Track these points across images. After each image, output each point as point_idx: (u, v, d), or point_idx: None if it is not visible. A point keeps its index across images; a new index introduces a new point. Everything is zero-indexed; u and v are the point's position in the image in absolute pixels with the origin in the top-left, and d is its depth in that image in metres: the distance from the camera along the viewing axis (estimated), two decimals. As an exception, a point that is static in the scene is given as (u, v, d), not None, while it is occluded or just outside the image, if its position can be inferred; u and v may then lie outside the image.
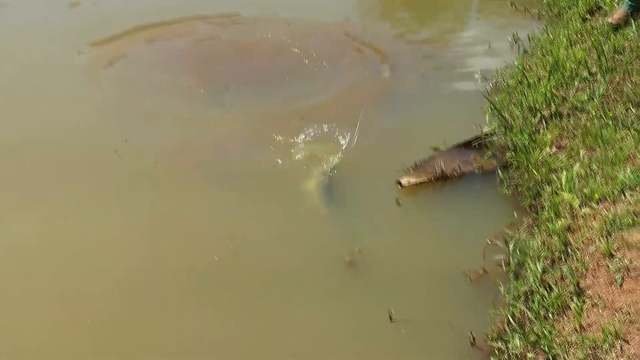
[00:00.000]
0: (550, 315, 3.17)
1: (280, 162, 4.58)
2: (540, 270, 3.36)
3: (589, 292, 3.17)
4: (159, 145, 4.74)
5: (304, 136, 4.80)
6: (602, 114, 4.26)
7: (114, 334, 3.43)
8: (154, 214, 4.17)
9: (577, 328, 3.02)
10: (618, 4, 5.21)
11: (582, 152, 4.00)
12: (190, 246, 3.92)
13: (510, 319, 3.23)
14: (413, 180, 4.30)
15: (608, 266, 3.22)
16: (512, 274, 3.54)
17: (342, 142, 4.74)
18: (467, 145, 4.55)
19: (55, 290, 3.68)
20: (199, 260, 3.81)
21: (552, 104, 4.55)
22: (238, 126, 4.95)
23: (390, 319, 3.39)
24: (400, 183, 4.28)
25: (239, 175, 4.45)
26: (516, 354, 3.08)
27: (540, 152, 4.16)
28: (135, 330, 3.46)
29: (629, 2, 5.01)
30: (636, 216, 3.40)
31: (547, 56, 5.27)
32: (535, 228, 3.77)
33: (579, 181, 3.78)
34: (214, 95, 5.37)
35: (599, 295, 3.13)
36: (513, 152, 4.34)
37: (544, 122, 4.49)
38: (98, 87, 5.50)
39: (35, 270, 3.79)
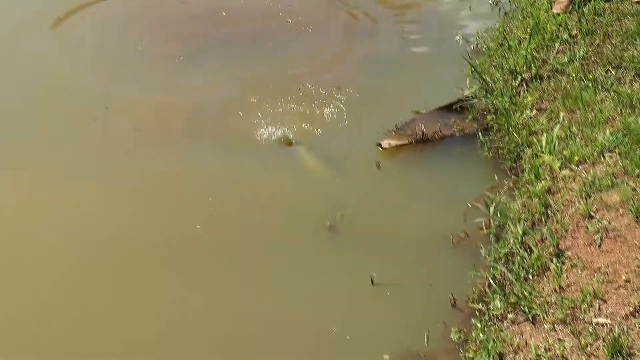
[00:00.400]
0: (530, 276, 3.20)
1: (260, 125, 4.53)
2: (520, 232, 3.38)
3: (569, 253, 3.21)
4: (138, 110, 4.69)
5: (285, 99, 4.76)
6: (582, 76, 4.28)
7: (86, 302, 3.43)
8: (131, 179, 4.14)
9: (557, 289, 3.06)
10: None
11: (562, 114, 4.02)
12: (169, 211, 3.91)
13: (491, 280, 3.25)
14: (394, 142, 4.30)
15: (587, 227, 3.26)
16: (492, 236, 3.56)
17: (323, 105, 4.70)
18: (448, 108, 4.54)
19: (28, 254, 3.66)
20: (179, 226, 3.80)
21: (533, 67, 4.55)
22: (218, 90, 4.90)
23: (372, 282, 3.41)
24: (381, 145, 4.28)
25: (218, 140, 4.41)
26: (497, 315, 3.11)
27: (521, 114, 4.17)
28: (111, 298, 3.45)
29: None
30: (615, 178, 3.44)
31: (527, 19, 5.25)
32: (515, 190, 3.79)
33: (559, 143, 3.80)
34: (193, 61, 5.30)
35: (578, 256, 3.16)
36: (494, 115, 4.34)
37: (524, 84, 4.49)
38: (75, 53, 5.41)
39: (6, 233, 3.77)
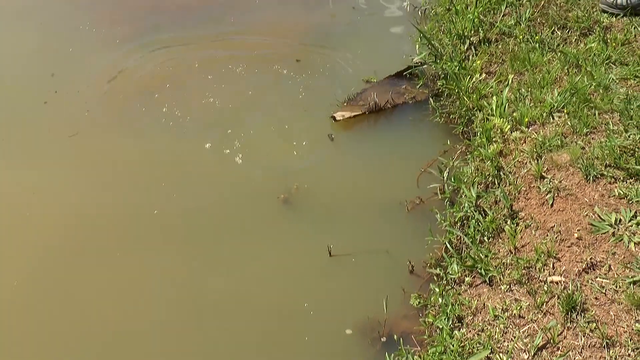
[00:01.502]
0: (485, 239, 3.25)
1: (212, 100, 4.48)
2: (474, 196, 3.42)
3: (522, 214, 3.26)
4: (87, 92, 4.59)
5: (235, 73, 4.71)
6: (529, 38, 4.31)
7: (47, 286, 3.39)
8: (82, 160, 4.08)
9: (512, 250, 3.11)
10: None
11: (510, 76, 4.04)
12: (124, 190, 3.87)
13: (448, 245, 3.29)
14: (347, 114, 4.28)
15: (539, 188, 3.30)
16: (447, 201, 3.59)
17: (273, 77, 4.67)
18: (398, 75, 4.54)
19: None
20: (133, 205, 3.76)
21: (480, 30, 4.56)
22: (168, 69, 4.81)
23: (330, 253, 3.42)
24: (334, 117, 4.26)
25: (168, 117, 4.35)
26: (454, 279, 3.15)
27: (471, 79, 4.18)
28: (71, 278, 3.43)
29: None
30: (564, 137, 3.48)
31: (474, -18, 5.25)
32: (468, 154, 3.82)
33: (509, 106, 3.84)
34: (142, 39, 5.19)
35: (531, 217, 3.21)
36: (444, 81, 4.35)
37: (473, 48, 4.51)
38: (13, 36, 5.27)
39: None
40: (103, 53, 5.00)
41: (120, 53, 5.00)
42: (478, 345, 2.80)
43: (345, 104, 4.36)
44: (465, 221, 3.40)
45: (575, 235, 3.02)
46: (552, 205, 3.20)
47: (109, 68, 4.83)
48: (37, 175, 3.98)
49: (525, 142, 3.59)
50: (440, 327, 2.94)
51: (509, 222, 3.23)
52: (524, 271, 2.98)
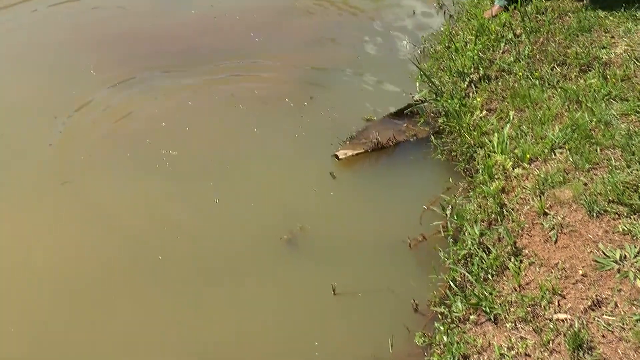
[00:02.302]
0: (489, 276, 3.22)
1: (213, 139, 4.51)
2: (477, 233, 3.41)
3: (526, 251, 3.24)
4: (88, 134, 4.61)
5: (235, 112, 4.75)
6: (529, 75, 4.34)
7: (40, 337, 3.36)
8: (81, 204, 4.06)
9: (516, 287, 3.09)
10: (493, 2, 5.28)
11: (511, 113, 4.06)
12: (124, 232, 3.85)
13: (451, 283, 3.27)
14: (350, 152, 4.28)
15: (542, 224, 3.29)
16: (450, 238, 3.58)
17: (273, 116, 4.70)
18: (399, 113, 4.56)
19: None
20: (134, 246, 3.75)
21: (480, 68, 4.60)
22: (165, 109, 4.84)
23: (334, 292, 3.40)
24: (337, 156, 4.26)
25: (169, 160, 4.34)
26: (459, 317, 3.13)
27: (471, 115, 4.20)
28: (65, 329, 3.39)
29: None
30: (566, 173, 3.48)
31: (472, 20, 5.31)
32: (470, 191, 3.82)
33: (510, 142, 3.84)
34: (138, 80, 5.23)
35: (535, 254, 3.19)
36: (445, 118, 4.37)
37: (473, 85, 4.54)
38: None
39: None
40: (105, 95, 5.01)
41: (121, 95, 5.01)
42: (484, 385, 2.77)
43: (347, 142, 4.37)
44: (468, 259, 3.39)
45: (580, 272, 3.00)
46: (555, 242, 3.19)
47: (111, 109, 4.84)
48: (38, 220, 3.97)
49: (527, 178, 3.58)
50: (446, 366, 2.92)
51: (512, 260, 3.21)
52: (529, 309, 2.96)
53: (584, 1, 4.86)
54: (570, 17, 4.74)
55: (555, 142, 3.69)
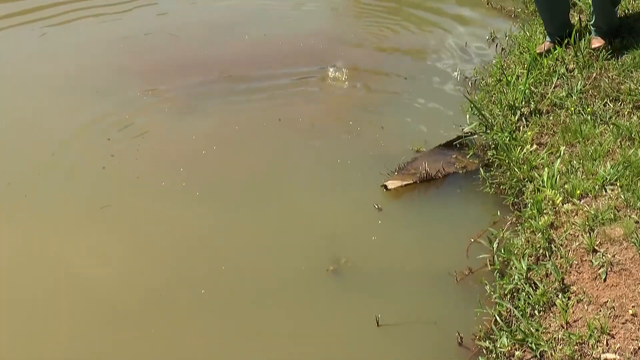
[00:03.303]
0: (536, 312, 3.19)
1: (262, 166, 4.58)
2: (525, 268, 3.38)
3: (574, 288, 3.20)
4: (139, 156, 4.74)
5: (282, 137, 4.83)
6: (581, 110, 4.30)
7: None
8: (127, 227, 4.17)
9: (564, 324, 3.04)
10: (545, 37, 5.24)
11: (562, 148, 4.03)
12: (171, 257, 3.92)
13: (497, 317, 3.24)
14: (399, 183, 4.30)
15: (591, 261, 3.25)
16: (497, 272, 3.55)
17: (321, 144, 4.76)
18: (448, 145, 4.56)
19: (27, 302, 3.68)
20: (180, 273, 3.81)
21: (531, 102, 4.58)
22: (220, 139, 4.90)
23: (377, 323, 3.40)
24: (386, 186, 4.28)
25: (213, 192, 4.40)
26: (504, 353, 3.09)
27: (521, 149, 4.18)
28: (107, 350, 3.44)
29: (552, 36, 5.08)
30: (617, 211, 3.44)
31: (524, 54, 5.30)
32: (518, 226, 3.79)
33: (560, 177, 3.81)
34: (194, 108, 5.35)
35: (583, 291, 3.15)
36: (494, 151, 4.36)
37: (523, 119, 4.52)
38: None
39: (7, 283, 3.80)
40: (156, 120, 5.14)
41: (171, 120, 5.14)
42: (528, 423, 2.73)
43: (395, 172, 4.39)
44: (515, 293, 3.35)
45: (630, 311, 2.95)
46: (605, 280, 3.14)
47: (160, 134, 4.98)
48: (82, 243, 4.05)
49: (577, 214, 3.55)
50: (490, 402, 2.89)
51: (560, 296, 3.17)
52: (576, 347, 2.91)
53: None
54: (624, 53, 4.69)
55: (607, 178, 3.65)
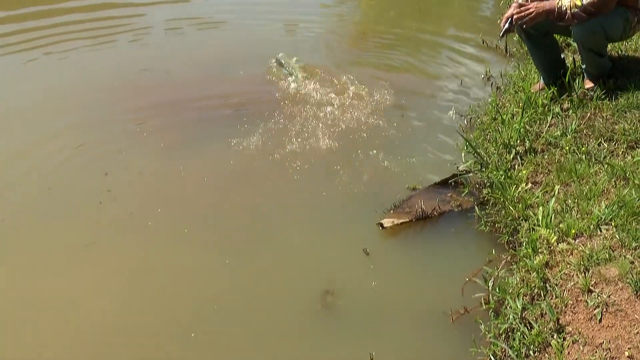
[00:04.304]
0: (531, 352, 3.16)
1: (256, 203, 4.58)
2: (520, 308, 3.36)
3: (569, 328, 3.18)
4: (134, 192, 4.74)
5: (276, 178, 4.85)
6: (576, 149, 4.32)
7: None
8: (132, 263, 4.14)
9: (559, 365, 3.03)
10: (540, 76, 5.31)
11: (557, 187, 4.04)
12: (166, 296, 3.89)
13: (492, 357, 3.22)
14: (395, 220, 4.30)
15: (587, 302, 3.24)
16: (492, 311, 3.53)
17: (315, 182, 4.77)
18: (443, 183, 4.57)
19: (27, 341, 3.63)
20: (174, 312, 3.78)
21: (526, 140, 4.61)
22: (214, 178, 4.92)
23: (372, 362, 3.38)
24: (381, 224, 4.28)
25: (211, 237, 4.38)
26: (499, 393, 3.07)
27: (516, 188, 4.19)
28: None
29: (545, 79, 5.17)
30: (612, 251, 3.43)
31: (519, 93, 5.35)
32: (513, 264, 3.78)
33: (555, 216, 3.81)
34: (184, 144, 5.36)
35: (579, 332, 3.13)
36: (489, 189, 4.37)
37: (519, 158, 4.54)
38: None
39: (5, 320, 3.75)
40: (151, 157, 5.16)
41: (167, 157, 5.15)
42: None
43: (391, 210, 4.39)
44: (510, 333, 3.33)
45: (626, 353, 2.93)
46: (600, 320, 3.13)
47: (154, 171, 4.99)
48: (74, 281, 4.02)
49: (572, 254, 3.54)
50: None
51: (555, 337, 3.15)
52: (571, 389, 2.89)
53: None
54: (618, 93, 4.73)
55: (602, 218, 3.65)
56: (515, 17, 4.67)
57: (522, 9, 4.63)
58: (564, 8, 4.50)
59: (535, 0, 4.70)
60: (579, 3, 4.46)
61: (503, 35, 4.90)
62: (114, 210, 4.54)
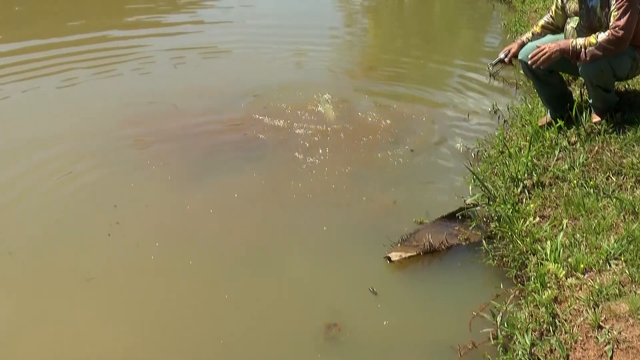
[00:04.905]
0: (541, 390, 3.13)
1: (263, 233, 4.58)
2: (528, 343, 3.32)
3: (579, 365, 3.14)
4: (141, 225, 4.73)
5: (280, 212, 4.84)
6: (584, 183, 4.30)
7: None
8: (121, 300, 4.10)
9: (569, 403, 2.98)
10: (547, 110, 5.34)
11: (565, 221, 4.01)
12: (173, 329, 3.84)
13: (501, 394, 3.18)
14: (402, 254, 4.27)
15: (597, 338, 3.19)
16: (500, 347, 3.49)
17: (322, 216, 4.76)
18: (451, 217, 4.56)
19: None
20: (181, 346, 3.73)
21: (534, 174, 4.60)
22: (222, 209, 4.92)
23: (378, 397, 3.34)
24: (389, 258, 4.25)
25: (214, 258, 4.39)
26: None
27: (524, 222, 4.17)
28: None
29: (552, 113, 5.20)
30: (622, 286, 3.40)
31: (526, 126, 5.35)
32: (522, 299, 3.74)
33: (563, 251, 3.78)
34: (193, 179, 5.37)
35: (589, 369, 3.10)
36: (497, 223, 4.35)
37: (526, 191, 4.52)
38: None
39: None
40: (160, 190, 5.16)
41: (173, 189, 5.16)
42: None
43: (398, 244, 4.37)
44: (519, 370, 3.30)
45: (637, 391, 2.89)
46: (611, 357, 3.08)
47: (160, 204, 4.99)
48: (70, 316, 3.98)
49: (581, 289, 3.51)
50: None
51: (565, 374, 3.12)
52: None
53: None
54: (626, 127, 4.72)
55: (611, 253, 3.62)
56: (529, 62, 4.72)
57: (535, 50, 4.64)
58: (579, 46, 4.51)
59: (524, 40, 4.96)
60: (593, 41, 4.47)
61: (495, 64, 5.01)
62: (121, 242, 4.52)
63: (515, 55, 5.01)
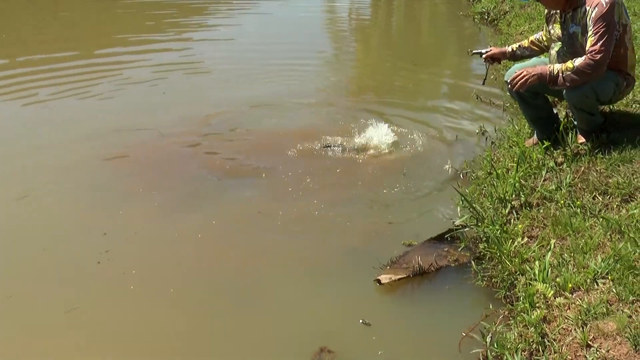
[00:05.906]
0: (531, 410, 3.13)
1: (254, 265, 4.57)
2: (518, 364, 3.33)
3: (569, 384, 3.15)
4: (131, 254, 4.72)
5: (268, 239, 4.84)
6: (571, 203, 4.34)
7: None
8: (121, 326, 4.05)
9: (559, 423, 2.99)
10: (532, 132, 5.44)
11: (553, 241, 4.04)
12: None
13: (492, 415, 3.18)
14: (392, 277, 4.27)
15: (586, 357, 3.20)
16: (491, 367, 3.51)
17: (317, 244, 4.76)
18: (440, 238, 4.58)
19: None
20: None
21: (522, 195, 4.63)
22: (214, 238, 4.90)
23: (369, 420, 3.33)
24: (379, 281, 4.26)
25: (203, 286, 4.37)
26: None
27: (512, 242, 4.20)
28: None
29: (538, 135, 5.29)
30: (610, 305, 3.42)
31: (514, 147, 5.40)
32: (511, 319, 3.75)
33: (551, 271, 3.80)
34: (180, 205, 5.37)
35: (579, 388, 3.10)
36: (486, 244, 4.37)
37: (514, 212, 4.55)
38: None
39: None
40: (149, 218, 5.15)
41: (158, 214, 5.16)
42: None
43: (388, 266, 4.38)
44: (509, 390, 3.30)
45: (626, 409, 2.90)
46: (600, 376, 3.10)
47: (148, 229, 4.98)
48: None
49: (569, 308, 3.52)
50: None
51: (555, 393, 3.12)
52: None
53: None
54: (611, 147, 4.77)
55: (598, 272, 3.64)
56: (509, 86, 4.84)
57: (515, 74, 4.73)
58: (556, 71, 4.58)
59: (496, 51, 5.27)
60: (570, 66, 4.54)
61: (474, 53, 5.40)
62: (108, 271, 4.48)
63: (492, 56, 5.31)
